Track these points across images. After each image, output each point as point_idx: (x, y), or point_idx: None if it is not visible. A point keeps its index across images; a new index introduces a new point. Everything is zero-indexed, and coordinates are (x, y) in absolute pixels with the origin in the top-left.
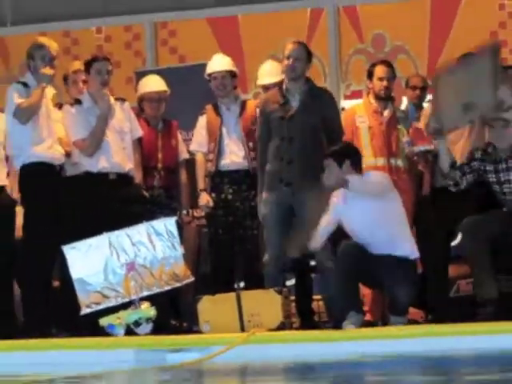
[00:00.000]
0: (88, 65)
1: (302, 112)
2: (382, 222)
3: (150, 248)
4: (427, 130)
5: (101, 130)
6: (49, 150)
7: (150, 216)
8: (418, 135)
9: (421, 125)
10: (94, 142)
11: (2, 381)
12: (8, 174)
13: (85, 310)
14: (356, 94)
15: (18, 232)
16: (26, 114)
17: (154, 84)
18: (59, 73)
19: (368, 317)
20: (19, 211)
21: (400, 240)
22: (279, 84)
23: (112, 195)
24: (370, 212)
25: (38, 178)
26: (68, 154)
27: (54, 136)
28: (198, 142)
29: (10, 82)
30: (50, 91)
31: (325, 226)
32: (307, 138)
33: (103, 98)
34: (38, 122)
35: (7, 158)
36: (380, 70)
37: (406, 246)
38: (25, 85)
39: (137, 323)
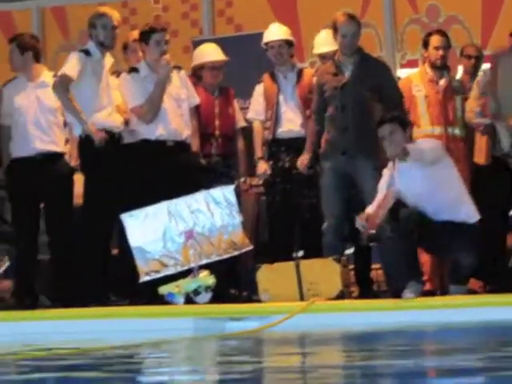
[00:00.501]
0: (146, 35)
1: (355, 81)
2: (440, 188)
3: (209, 216)
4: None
5: (158, 97)
6: (109, 118)
7: (207, 184)
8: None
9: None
10: (152, 109)
11: (66, 348)
12: (67, 142)
13: (144, 278)
14: (411, 63)
15: (76, 200)
16: (64, 86)
17: (214, 52)
18: (118, 42)
19: (427, 286)
20: (77, 179)
21: (460, 204)
22: (335, 53)
23: (170, 163)
24: (427, 179)
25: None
26: (126, 122)
27: (113, 104)
28: (255, 110)
29: (68, 51)
30: (108, 60)
31: (383, 199)
32: (360, 106)
33: (163, 64)
34: (98, 90)
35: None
36: (435, 40)
37: (467, 209)
38: (87, 53)
39: (196, 292)
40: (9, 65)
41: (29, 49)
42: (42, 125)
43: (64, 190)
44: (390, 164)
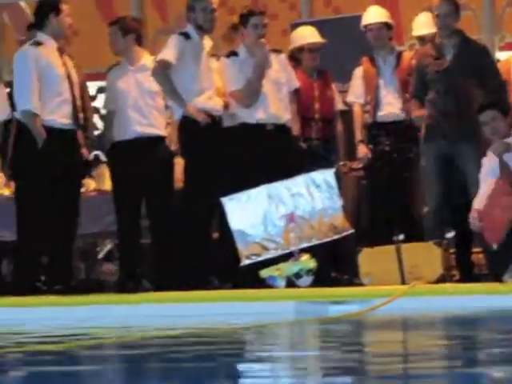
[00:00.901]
0: (244, 18)
1: (457, 65)
2: None
3: (309, 200)
4: None
5: (257, 81)
6: (209, 101)
7: (308, 167)
8: None
9: None
10: (251, 93)
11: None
12: (167, 125)
13: (245, 262)
14: (510, 46)
15: (177, 183)
16: (164, 71)
17: (312, 35)
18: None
19: None
20: (177, 163)
21: None
22: (434, 35)
23: (269, 146)
24: None
25: (199, 128)
26: (226, 105)
27: (213, 87)
28: (354, 93)
29: (167, 34)
30: (207, 42)
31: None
32: (462, 90)
33: (261, 48)
34: (198, 73)
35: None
36: None
37: None
38: (186, 36)
39: (297, 275)
40: (109, 49)
41: (131, 31)
42: (142, 108)
43: (165, 173)
44: (490, 153)
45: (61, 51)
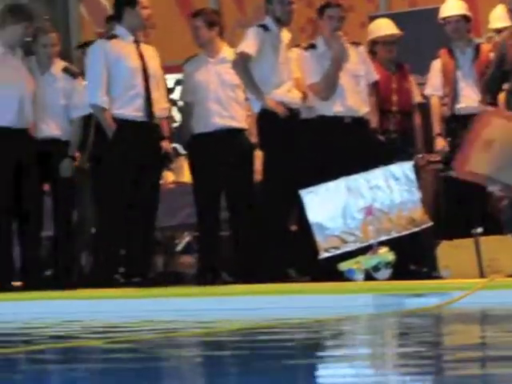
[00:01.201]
0: (321, 10)
1: None
2: None
3: (388, 192)
4: None
5: (334, 74)
6: (288, 94)
7: (386, 160)
8: None
9: None
10: (328, 86)
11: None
12: (247, 118)
13: (323, 255)
14: None
15: (256, 176)
16: (243, 64)
17: (387, 27)
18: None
19: None
20: (256, 155)
21: None
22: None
23: (347, 139)
24: None
25: (278, 121)
26: (304, 97)
27: (291, 79)
28: (432, 85)
29: (244, 27)
30: (285, 35)
31: None
32: None
33: (337, 41)
34: (277, 65)
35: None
36: None
37: None
38: (265, 28)
39: (376, 268)
40: (186, 41)
41: (215, 24)
42: (222, 100)
43: (245, 166)
44: None
45: (137, 43)
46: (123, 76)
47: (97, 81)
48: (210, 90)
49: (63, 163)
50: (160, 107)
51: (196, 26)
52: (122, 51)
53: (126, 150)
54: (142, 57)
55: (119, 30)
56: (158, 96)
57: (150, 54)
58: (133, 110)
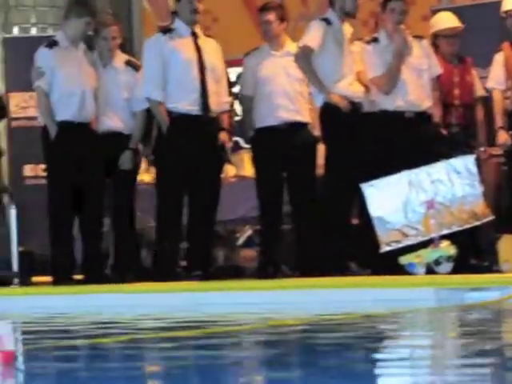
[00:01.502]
0: (383, 3)
1: None
2: None
3: (449, 186)
4: None
5: (396, 68)
6: (349, 87)
7: (448, 154)
8: None
9: None
10: (391, 80)
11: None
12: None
13: (384, 248)
14: None
15: (318, 170)
16: (306, 57)
17: (449, 20)
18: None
19: None
20: (318, 149)
21: None
22: None
23: (409, 133)
24: None
25: (340, 115)
26: (367, 90)
27: (353, 73)
28: (495, 79)
29: (307, 20)
30: (347, 28)
31: None
32: None
33: (400, 34)
34: (340, 59)
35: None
36: None
37: None
38: (327, 22)
39: (437, 262)
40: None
41: (285, 18)
42: (289, 94)
43: (307, 159)
44: None
45: (195, 36)
46: (178, 69)
47: (152, 75)
48: (276, 84)
49: (124, 156)
50: (219, 101)
51: (267, 20)
52: (178, 45)
53: (180, 144)
54: (198, 50)
55: (177, 23)
56: (216, 89)
57: (211, 46)
58: (187, 104)
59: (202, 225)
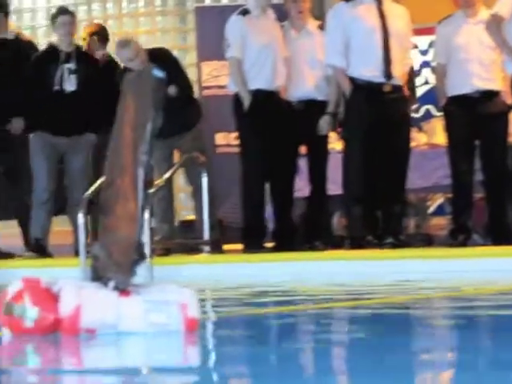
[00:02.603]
0: None
1: None
2: None
3: None
4: None
5: None
6: None
7: None
8: None
9: None
10: None
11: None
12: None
13: None
14: None
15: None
16: (497, 25)
17: None
18: None
19: None
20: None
21: None
22: None
23: None
24: None
25: None
26: None
27: None
28: None
29: None
30: None
31: None
32: None
33: None
34: None
35: None
36: None
37: None
38: None
39: None
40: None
41: None
42: (483, 62)
43: (500, 127)
44: None
45: (379, 3)
46: (360, 37)
47: (334, 42)
48: (470, 52)
49: (322, 120)
50: (402, 69)
51: None
52: (361, 12)
53: (361, 110)
54: (382, 16)
55: None
56: (400, 57)
57: (397, 13)
58: (370, 71)
59: (392, 195)
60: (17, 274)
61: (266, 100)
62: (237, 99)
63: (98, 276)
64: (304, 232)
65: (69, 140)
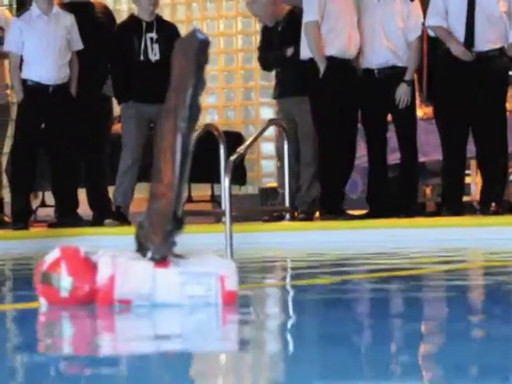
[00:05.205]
0: None
1: None
2: None
3: None
4: None
5: None
6: None
7: None
8: None
9: None
10: None
11: None
12: None
13: None
14: None
15: None
16: None
17: None
18: None
19: None
20: None
21: None
22: None
23: None
24: None
25: None
26: None
27: None
28: None
29: None
30: None
31: None
32: None
33: None
34: None
35: None
36: None
37: None
38: None
39: None
40: None
41: None
42: None
43: None
44: None
45: None
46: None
47: (437, 3)
48: None
49: (399, 89)
50: (489, 38)
51: None
52: None
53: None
54: None
55: None
56: (483, 29)
57: None
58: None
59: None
60: (97, 242)
61: (339, 67)
62: (313, 64)
63: (140, 245)
64: (396, 199)
65: (158, 107)
